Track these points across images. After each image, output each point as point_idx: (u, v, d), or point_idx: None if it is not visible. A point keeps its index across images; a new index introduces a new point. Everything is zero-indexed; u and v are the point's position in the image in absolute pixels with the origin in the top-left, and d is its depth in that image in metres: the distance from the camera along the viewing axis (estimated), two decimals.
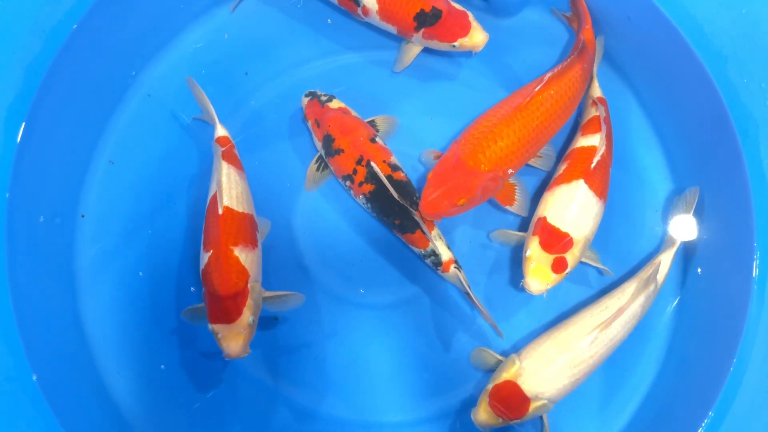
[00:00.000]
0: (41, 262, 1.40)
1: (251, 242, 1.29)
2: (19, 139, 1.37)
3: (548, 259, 1.25)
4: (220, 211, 1.28)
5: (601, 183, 1.33)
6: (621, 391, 1.39)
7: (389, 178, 1.34)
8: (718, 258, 1.39)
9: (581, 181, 1.31)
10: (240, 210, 1.31)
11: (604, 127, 1.37)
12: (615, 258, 1.43)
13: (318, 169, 1.44)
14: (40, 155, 1.40)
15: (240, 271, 1.24)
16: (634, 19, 1.48)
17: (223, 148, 1.39)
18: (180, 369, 1.38)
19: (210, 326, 1.20)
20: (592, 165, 1.31)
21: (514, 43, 1.56)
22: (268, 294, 1.29)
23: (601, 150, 1.33)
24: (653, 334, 1.41)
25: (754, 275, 1.33)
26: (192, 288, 1.41)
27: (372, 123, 1.46)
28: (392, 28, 1.48)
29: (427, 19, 1.42)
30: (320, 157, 1.44)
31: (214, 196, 1.31)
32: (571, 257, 1.26)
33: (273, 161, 1.50)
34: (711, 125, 1.41)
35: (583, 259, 1.34)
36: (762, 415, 1.25)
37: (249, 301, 1.21)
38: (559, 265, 1.25)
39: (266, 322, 1.40)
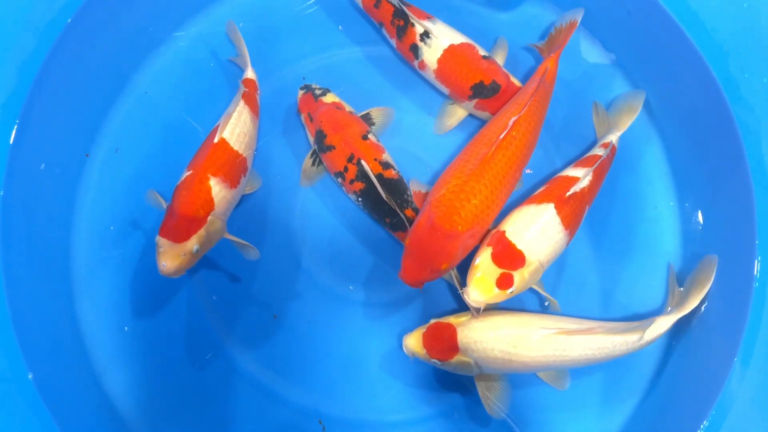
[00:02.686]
0: (38, 261, 1.39)
1: (231, 180, 1.30)
2: (12, 140, 1.38)
3: (495, 272, 1.20)
4: (216, 140, 1.30)
5: (571, 214, 1.28)
6: (620, 390, 1.38)
7: (380, 176, 1.33)
8: (720, 256, 1.38)
9: (551, 206, 1.26)
10: (235, 148, 1.33)
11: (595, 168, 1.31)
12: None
13: (313, 164, 1.43)
14: (35, 153, 1.40)
15: (206, 201, 1.25)
16: (635, 13, 1.47)
17: (246, 89, 1.41)
18: (176, 367, 1.38)
19: (157, 237, 1.22)
20: (567, 193, 1.26)
21: (513, 38, 1.55)
22: (228, 236, 1.31)
23: (583, 183, 1.28)
24: None
25: (755, 273, 1.32)
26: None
27: (367, 116, 1.45)
28: (444, 89, 1.46)
29: (483, 92, 1.40)
30: (315, 151, 1.43)
31: (217, 127, 1.33)
32: (519, 277, 1.20)
33: (268, 156, 1.48)
34: (712, 120, 1.40)
35: (532, 285, 1.27)
36: (762, 416, 1.25)
37: (201, 231, 1.23)
38: (504, 281, 1.19)
39: (264, 320, 1.39)
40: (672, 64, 1.46)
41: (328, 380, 1.37)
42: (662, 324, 1.30)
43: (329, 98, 1.44)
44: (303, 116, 1.45)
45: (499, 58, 1.48)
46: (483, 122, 1.45)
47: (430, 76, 1.46)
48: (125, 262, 1.42)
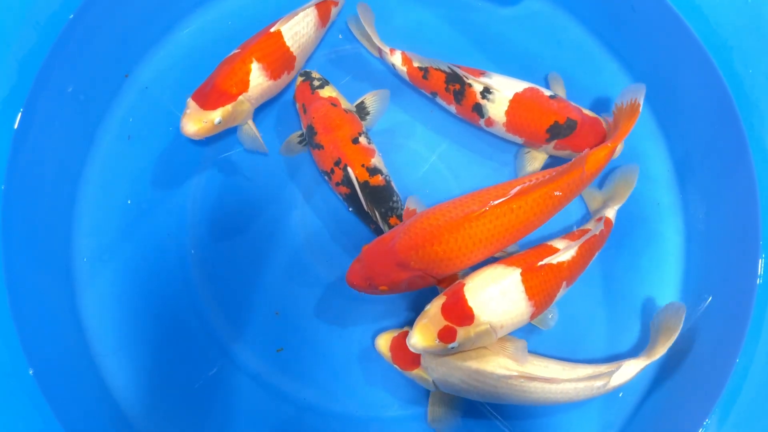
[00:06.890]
0: (39, 256, 1.40)
1: (273, 72, 1.37)
2: (13, 135, 1.38)
3: (440, 323, 1.15)
4: (272, 30, 1.36)
5: (539, 285, 1.19)
6: (618, 391, 1.35)
7: (365, 184, 1.31)
8: (723, 253, 1.37)
9: (517, 271, 1.18)
10: (288, 44, 1.38)
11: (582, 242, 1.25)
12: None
13: (299, 143, 1.43)
14: (37, 148, 1.40)
15: (242, 81, 1.33)
16: (639, 8, 1.46)
17: None
18: (178, 362, 1.38)
19: (188, 98, 1.31)
20: (540, 263, 1.20)
21: (515, 34, 1.54)
22: (251, 123, 1.39)
23: (561, 257, 1.21)
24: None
25: (759, 272, 1.31)
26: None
27: (361, 104, 1.43)
28: (517, 139, 1.41)
29: (561, 131, 1.34)
30: (304, 135, 1.42)
31: (278, 21, 1.38)
32: (464, 334, 1.15)
33: (269, 148, 1.47)
34: (715, 116, 1.39)
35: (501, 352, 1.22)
36: (763, 418, 1.24)
37: (228, 107, 1.31)
38: (446, 335, 1.14)
39: (266, 316, 1.39)
40: (675, 59, 1.45)
41: (330, 376, 1.37)
42: (629, 370, 1.27)
43: (326, 92, 1.42)
44: (297, 105, 1.43)
45: (560, 94, 1.43)
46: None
47: (500, 130, 1.40)
48: (128, 255, 1.43)
